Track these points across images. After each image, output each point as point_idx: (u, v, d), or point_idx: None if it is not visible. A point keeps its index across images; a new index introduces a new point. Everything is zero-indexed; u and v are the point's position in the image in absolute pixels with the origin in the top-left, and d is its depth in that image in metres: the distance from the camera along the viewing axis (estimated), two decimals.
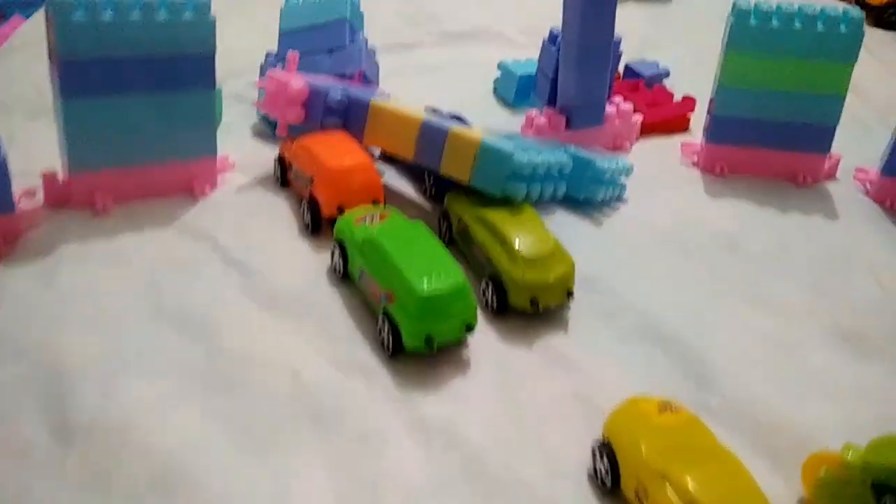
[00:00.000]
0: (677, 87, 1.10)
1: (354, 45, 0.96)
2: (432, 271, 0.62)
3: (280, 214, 0.80)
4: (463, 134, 0.75)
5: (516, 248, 0.67)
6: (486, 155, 0.73)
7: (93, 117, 0.72)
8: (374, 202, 0.76)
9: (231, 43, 0.91)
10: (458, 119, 0.91)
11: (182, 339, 0.62)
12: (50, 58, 0.71)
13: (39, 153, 0.82)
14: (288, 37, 0.98)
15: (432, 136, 0.77)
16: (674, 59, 1.16)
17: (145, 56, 0.72)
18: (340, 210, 0.75)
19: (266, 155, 0.89)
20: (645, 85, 1.07)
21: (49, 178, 0.75)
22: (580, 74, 0.91)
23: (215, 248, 0.73)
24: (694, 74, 1.14)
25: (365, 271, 0.66)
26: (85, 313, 0.64)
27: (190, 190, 0.81)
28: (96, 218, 0.76)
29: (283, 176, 0.85)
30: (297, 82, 0.83)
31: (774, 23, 0.87)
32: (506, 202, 0.73)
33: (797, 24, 0.86)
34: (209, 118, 0.79)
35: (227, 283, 0.69)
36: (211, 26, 0.74)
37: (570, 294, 0.68)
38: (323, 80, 0.88)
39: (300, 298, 0.68)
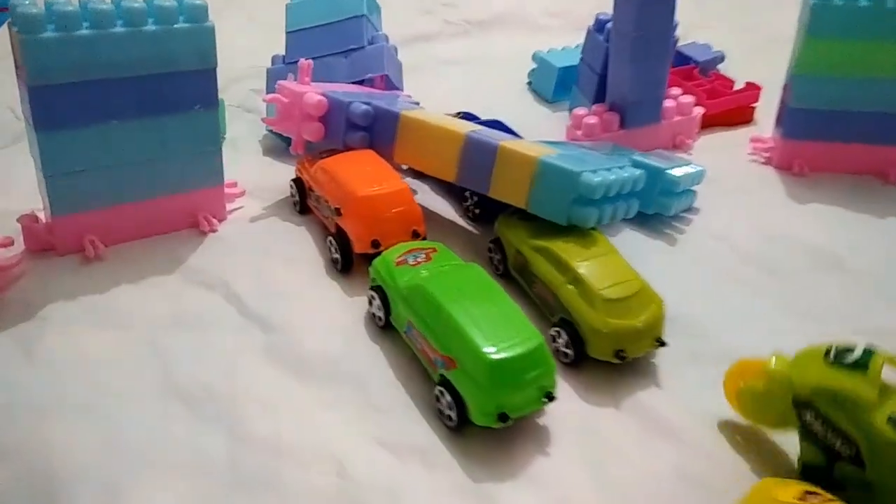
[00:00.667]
0: (731, 71, 0.98)
1: (375, 45, 0.85)
2: (501, 330, 0.50)
3: (302, 249, 0.69)
4: (516, 150, 0.63)
5: (595, 288, 0.56)
6: (547, 176, 0.61)
7: (75, 151, 0.60)
8: (415, 235, 0.65)
9: (230, 42, 0.78)
10: (499, 126, 0.79)
11: (198, 426, 0.51)
12: (19, 79, 0.59)
13: (17, 187, 0.72)
14: (296, 38, 0.86)
15: (478, 153, 0.65)
16: (723, 38, 1.04)
17: (133, 75, 0.60)
18: (375, 244, 0.63)
19: (280, 175, 0.78)
20: (700, 72, 0.95)
21: (29, 224, 0.64)
22: (635, 68, 0.79)
23: (230, 297, 0.62)
24: (748, 56, 1.02)
25: (414, 326, 0.55)
26: (77, 395, 0.53)
27: (195, 225, 0.69)
28: (87, 266, 0.64)
29: (303, 201, 0.73)
30: (314, 95, 0.71)
31: (863, 2, 0.75)
32: (572, 228, 0.62)
33: (890, 3, 0.74)
34: (213, 142, 0.67)
35: (246, 345, 0.58)
36: (210, 35, 0.62)
37: (660, 343, 0.57)
38: (341, 89, 0.76)
39: (335, 360, 0.57)
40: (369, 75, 0.83)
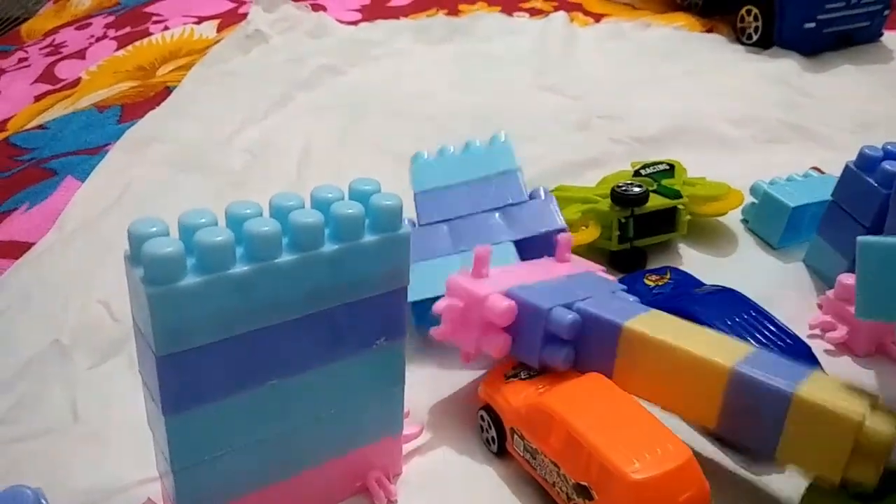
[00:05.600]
0: None
1: (543, 200, 0.65)
2: None
3: None
4: (825, 405, 0.43)
5: None
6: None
7: (216, 430, 0.41)
8: None
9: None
10: (735, 299, 0.57)
11: None
12: (137, 336, 0.40)
13: (113, 443, 0.52)
14: (429, 198, 0.66)
15: (757, 400, 0.44)
16: None
17: (298, 316, 0.40)
18: None
19: (447, 382, 0.58)
20: None
21: None
22: None
23: None
24: None
25: None
26: None
27: (363, 491, 0.49)
28: None
29: (500, 439, 0.53)
30: (500, 300, 0.51)
31: None
32: None
33: None
34: (396, 381, 0.47)
35: None
36: (405, 245, 0.43)
37: None
38: (516, 274, 0.56)
39: None
40: (543, 230, 0.63)
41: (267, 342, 0.40)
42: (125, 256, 0.38)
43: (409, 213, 0.64)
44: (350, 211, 0.40)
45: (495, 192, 0.65)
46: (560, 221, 0.64)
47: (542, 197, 0.65)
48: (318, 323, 0.41)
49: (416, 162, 0.69)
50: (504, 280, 0.55)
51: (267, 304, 0.39)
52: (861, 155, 0.65)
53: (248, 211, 0.39)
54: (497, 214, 0.64)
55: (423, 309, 0.56)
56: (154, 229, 0.37)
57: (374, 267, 0.42)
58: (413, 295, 0.58)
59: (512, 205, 0.65)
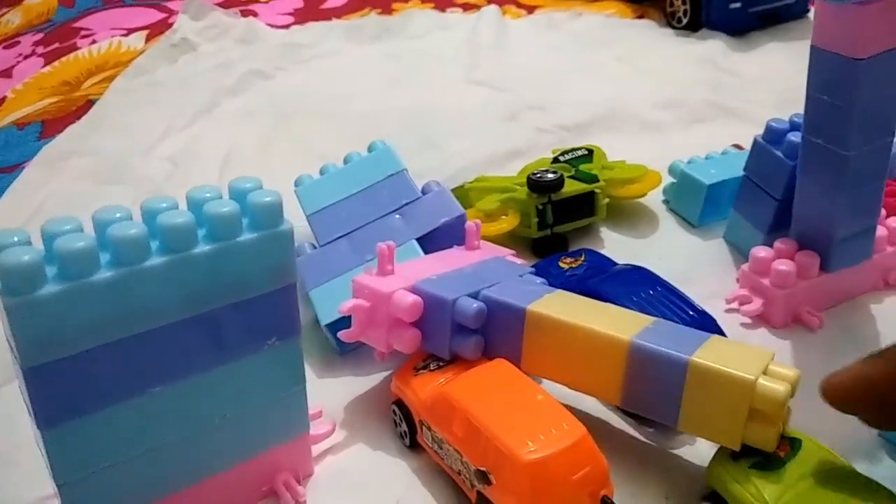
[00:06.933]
0: None
1: (437, 192, 0.65)
2: None
3: None
4: (719, 370, 0.43)
5: None
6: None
7: (99, 442, 0.39)
8: (604, 502, 0.44)
9: None
10: (646, 278, 0.58)
11: None
12: (11, 349, 0.39)
13: (20, 461, 0.51)
14: (323, 217, 0.65)
15: (655, 371, 0.45)
16: None
17: (178, 320, 0.39)
18: None
19: (363, 384, 0.57)
20: None
21: None
22: (850, 196, 0.58)
23: None
24: None
25: None
26: None
27: (272, 494, 0.48)
28: None
29: (412, 433, 0.52)
30: (405, 295, 0.51)
31: None
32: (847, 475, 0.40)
33: None
34: (295, 381, 0.47)
35: None
36: (287, 242, 0.42)
37: None
38: (424, 267, 0.56)
39: None
40: (444, 220, 0.63)
41: (145, 348, 0.39)
42: None
43: (309, 238, 0.65)
44: (224, 209, 0.40)
45: (388, 195, 0.65)
46: (458, 208, 0.64)
47: (436, 189, 0.65)
48: (201, 326, 0.41)
49: (300, 186, 0.68)
50: (410, 275, 0.54)
51: (140, 309, 0.38)
52: (768, 128, 0.65)
53: (117, 215, 0.39)
54: (396, 216, 0.64)
55: (340, 329, 0.55)
56: (15, 239, 0.36)
57: (255, 265, 0.41)
58: (326, 318, 0.59)
59: (407, 204, 0.65)
